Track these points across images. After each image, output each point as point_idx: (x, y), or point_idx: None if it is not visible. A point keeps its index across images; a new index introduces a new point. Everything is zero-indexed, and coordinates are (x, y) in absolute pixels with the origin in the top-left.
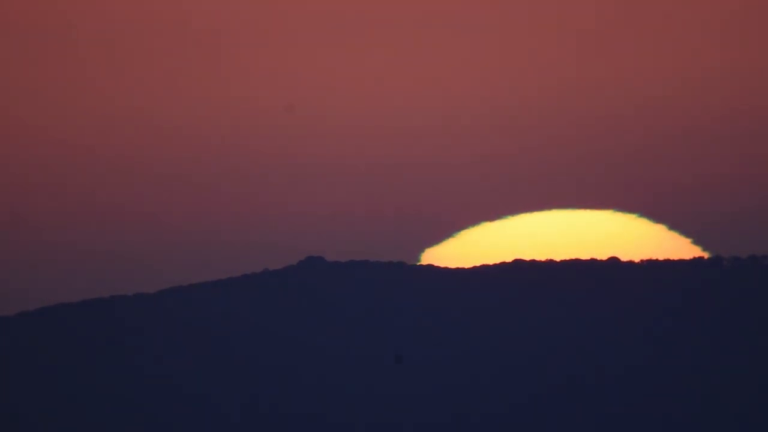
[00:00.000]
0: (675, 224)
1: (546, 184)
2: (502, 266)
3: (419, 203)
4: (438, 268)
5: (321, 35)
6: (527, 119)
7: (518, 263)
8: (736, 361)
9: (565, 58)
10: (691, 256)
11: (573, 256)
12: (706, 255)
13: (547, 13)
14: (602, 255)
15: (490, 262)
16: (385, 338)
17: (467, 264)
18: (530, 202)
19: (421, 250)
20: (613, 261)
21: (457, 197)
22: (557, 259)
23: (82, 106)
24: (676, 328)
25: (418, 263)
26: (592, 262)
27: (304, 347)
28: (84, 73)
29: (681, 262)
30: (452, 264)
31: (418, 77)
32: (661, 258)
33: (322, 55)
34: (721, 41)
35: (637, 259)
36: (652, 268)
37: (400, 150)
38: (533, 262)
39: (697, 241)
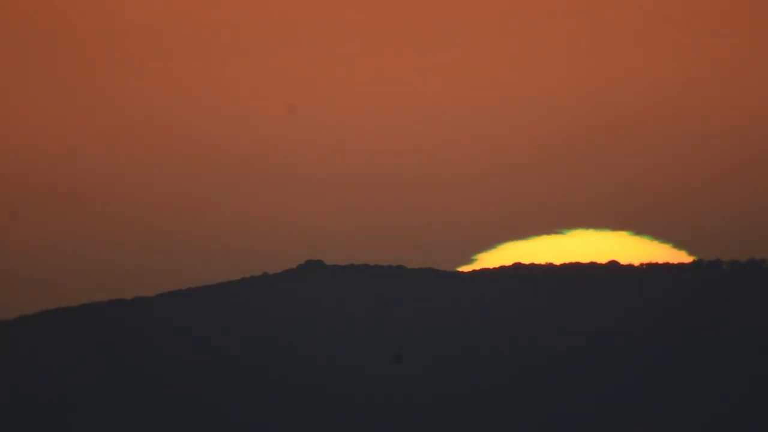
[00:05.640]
0: (650, 231)
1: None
2: (502, 269)
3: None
4: (437, 270)
5: (326, 37)
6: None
7: (517, 266)
8: (736, 362)
9: (552, 71)
10: (679, 261)
11: (572, 260)
12: (691, 259)
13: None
14: (602, 260)
15: (490, 266)
16: (384, 341)
17: (467, 268)
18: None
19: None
20: (613, 264)
21: (457, 208)
22: (556, 263)
23: (81, 107)
24: (675, 329)
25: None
26: (592, 266)
27: (304, 349)
28: (83, 74)
29: (680, 266)
30: (452, 267)
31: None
32: (660, 261)
33: (324, 57)
34: (691, 46)
35: (636, 263)
36: (651, 271)
37: (400, 151)
38: (532, 265)
39: (676, 246)
